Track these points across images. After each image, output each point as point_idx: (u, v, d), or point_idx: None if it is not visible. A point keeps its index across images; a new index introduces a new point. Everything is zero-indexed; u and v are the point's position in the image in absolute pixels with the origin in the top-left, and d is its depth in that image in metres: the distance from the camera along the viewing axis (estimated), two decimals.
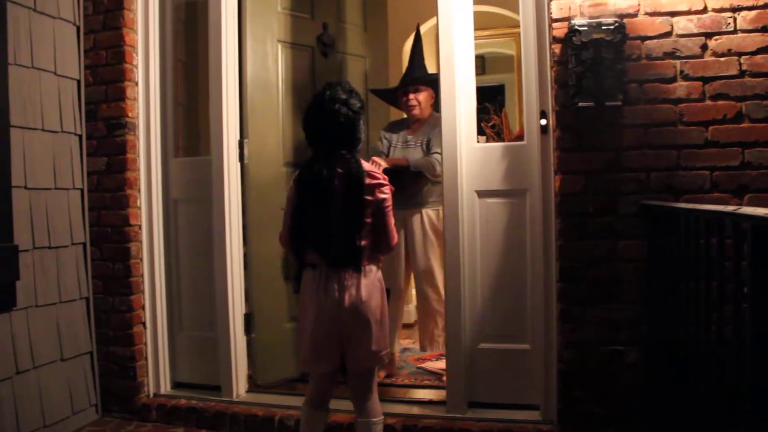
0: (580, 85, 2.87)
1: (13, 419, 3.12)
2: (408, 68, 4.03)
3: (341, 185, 2.48)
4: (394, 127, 4.09)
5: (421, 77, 3.93)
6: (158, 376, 3.68)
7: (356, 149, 2.57)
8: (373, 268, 2.57)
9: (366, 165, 2.55)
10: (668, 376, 2.62)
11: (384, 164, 3.58)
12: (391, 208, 2.56)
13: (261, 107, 3.62)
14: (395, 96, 4.08)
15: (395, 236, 2.60)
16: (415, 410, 3.32)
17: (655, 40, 2.86)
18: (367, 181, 2.49)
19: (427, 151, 3.79)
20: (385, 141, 4.00)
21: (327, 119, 2.51)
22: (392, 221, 2.58)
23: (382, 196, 2.52)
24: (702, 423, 2.21)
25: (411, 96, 3.90)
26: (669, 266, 2.63)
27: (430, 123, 3.88)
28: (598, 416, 2.94)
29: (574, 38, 2.87)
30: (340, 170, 2.49)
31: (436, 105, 3.86)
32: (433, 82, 3.79)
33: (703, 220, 2.19)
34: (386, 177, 2.57)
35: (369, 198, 2.49)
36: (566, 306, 2.97)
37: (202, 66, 3.83)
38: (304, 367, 2.71)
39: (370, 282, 2.52)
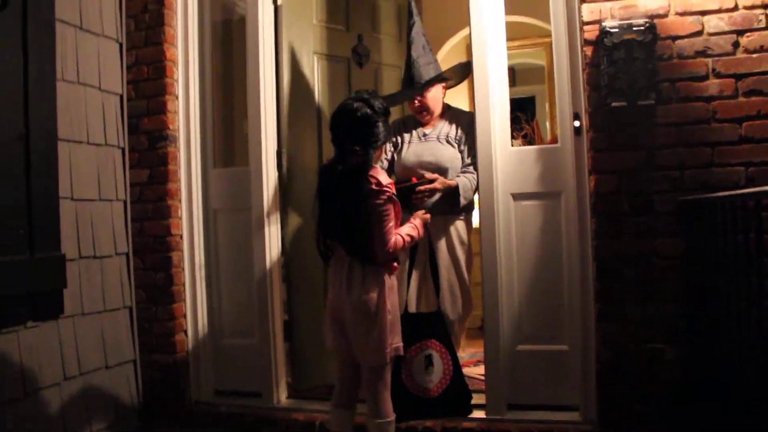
0: (613, 85, 2.92)
1: (61, 424, 3.19)
2: (405, 72, 3.64)
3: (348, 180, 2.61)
4: (406, 121, 3.75)
5: (425, 84, 3.54)
6: (199, 384, 3.74)
7: (371, 148, 2.64)
8: (381, 267, 2.64)
9: (376, 170, 2.63)
10: (708, 373, 2.62)
11: (439, 185, 3.36)
12: (386, 215, 2.58)
13: (298, 118, 3.71)
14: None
15: (389, 241, 2.60)
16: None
17: (686, 39, 2.90)
18: (367, 186, 2.56)
19: (458, 147, 3.53)
20: (396, 139, 3.67)
21: (347, 115, 2.65)
22: (386, 227, 2.59)
23: (375, 201, 2.56)
24: (743, 420, 2.20)
25: (416, 101, 3.57)
26: (706, 262, 2.64)
27: (450, 116, 3.64)
28: (639, 415, 2.93)
29: (605, 40, 2.91)
30: (353, 166, 2.62)
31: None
32: (438, 80, 3.57)
33: (740, 203, 2.19)
34: (385, 184, 2.58)
35: (366, 199, 2.57)
36: (604, 305, 2.98)
37: (238, 80, 3.93)
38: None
39: (374, 279, 2.62)
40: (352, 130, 2.63)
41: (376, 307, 2.60)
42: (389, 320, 2.63)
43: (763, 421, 2.08)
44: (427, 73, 3.51)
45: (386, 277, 2.65)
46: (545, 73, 4.90)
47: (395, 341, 2.65)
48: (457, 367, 3.05)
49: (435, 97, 3.59)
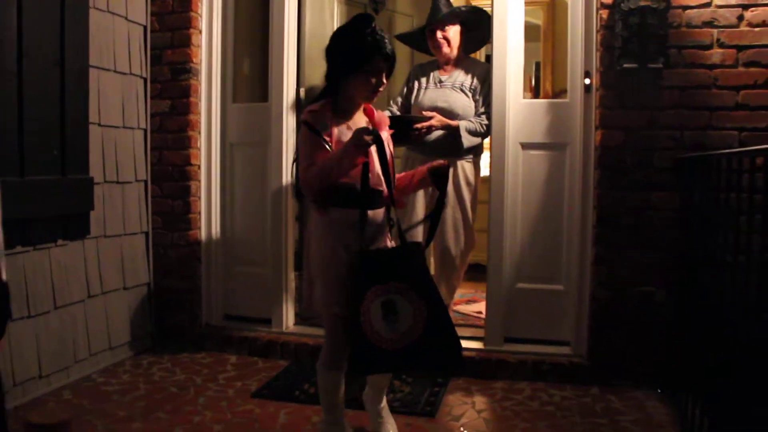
0: (626, 48, 3.14)
1: (85, 339, 3.36)
2: (432, 6, 3.74)
3: None
4: (424, 68, 3.86)
5: (447, 15, 3.65)
6: (211, 308, 3.93)
7: (336, 72, 2.38)
8: (319, 211, 2.40)
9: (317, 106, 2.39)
10: (694, 316, 2.89)
11: (435, 122, 3.54)
12: (305, 139, 2.34)
13: (317, 58, 3.84)
14: (421, 40, 3.85)
15: (305, 166, 2.31)
16: None
17: (695, 10, 3.13)
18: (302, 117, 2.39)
19: (472, 96, 3.67)
20: (413, 84, 3.81)
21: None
22: (305, 152, 2.33)
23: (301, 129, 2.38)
24: (725, 359, 2.46)
25: (438, 35, 3.66)
26: (697, 215, 2.88)
27: (467, 66, 3.74)
28: (628, 351, 3.25)
29: (622, 5, 3.13)
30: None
31: (465, 48, 3.80)
32: (459, 18, 3.69)
33: (736, 160, 2.39)
34: (310, 111, 2.36)
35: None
36: (601, 249, 3.26)
37: (257, 18, 4.02)
38: None
39: (312, 226, 2.46)
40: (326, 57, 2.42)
41: (317, 261, 2.43)
42: (313, 265, 2.45)
43: (741, 358, 2.33)
44: (447, 9, 3.67)
45: (319, 215, 2.40)
46: (540, 32, 5.10)
47: (321, 295, 2.41)
48: (435, 318, 2.25)
49: (455, 36, 3.69)
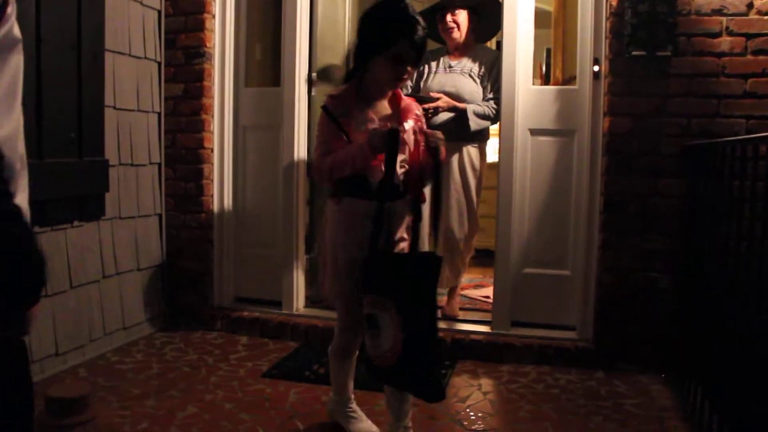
0: (635, 35, 3.17)
1: (100, 319, 3.43)
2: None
3: None
4: (434, 53, 3.86)
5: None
6: (222, 290, 4.00)
7: (364, 57, 2.26)
8: (334, 201, 2.34)
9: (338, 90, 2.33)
10: (698, 303, 2.92)
11: (442, 103, 3.62)
12: (322, 125, 2.28)
13: (329, 44, 3.89)
14: (430, 25, 3.56)
15: (319, 154, 2.27)
16: (462, 327, 3.65)
17: None
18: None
19: (480, 82, 3.74)
20: (422, 68, 3.81)
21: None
22: (321, 139, 2.28)
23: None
24: (726, 349, 2.50)
25: (448, 18, 3.70)
26: (702, 203, 2.91)
27: (476, 52, 3.79)
28: (632, 336, 3.29)
29: None
30: None
31: (477, 35, 3.84)
32: (468, 2, 3.70)
33: (739, 147, 2.39)
34: (331, 96, 2.28)
35: None
36: (608, 235, 3.30)
37: (270, 3, 4.06)
38: None
39: (328, 214, 2.39)
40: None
41: (327, 248, 2.39)
42: (326, 253, 2.40)
43: (740, 345, 2.36)
44: None
45: (339, 209, 2.32)
46: (551, 19, 5.11)
47: (330, 283, 2.39)
48: (412, 345, 2.03)
49: (464, 21, 3.72)
